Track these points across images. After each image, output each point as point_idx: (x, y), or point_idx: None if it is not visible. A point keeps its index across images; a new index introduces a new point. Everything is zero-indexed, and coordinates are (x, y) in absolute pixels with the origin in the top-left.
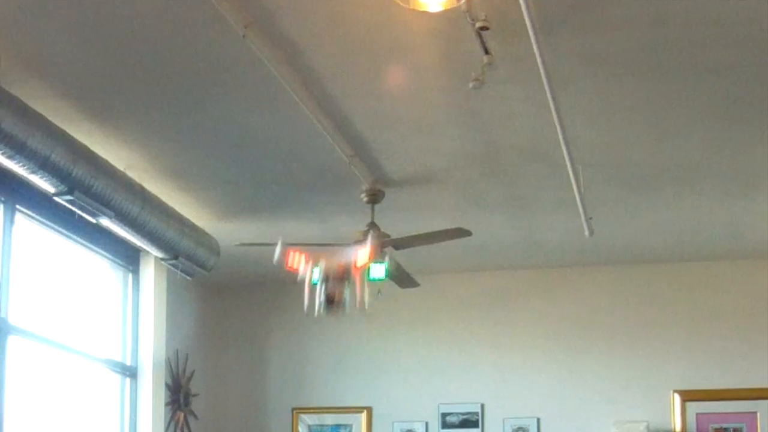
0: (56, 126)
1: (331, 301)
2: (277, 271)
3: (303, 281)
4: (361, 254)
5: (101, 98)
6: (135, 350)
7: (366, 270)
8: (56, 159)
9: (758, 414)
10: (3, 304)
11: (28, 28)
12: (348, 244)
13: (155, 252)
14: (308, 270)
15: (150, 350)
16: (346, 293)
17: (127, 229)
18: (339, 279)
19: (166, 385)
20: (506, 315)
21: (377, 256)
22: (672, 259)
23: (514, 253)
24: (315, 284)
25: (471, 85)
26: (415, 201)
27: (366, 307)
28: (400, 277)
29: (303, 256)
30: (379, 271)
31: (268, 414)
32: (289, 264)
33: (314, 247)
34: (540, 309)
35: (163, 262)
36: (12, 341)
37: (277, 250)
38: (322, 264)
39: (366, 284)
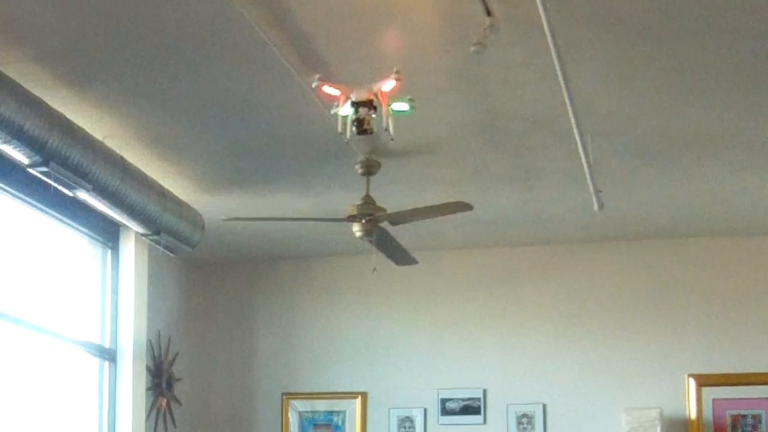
0: (30, 93)
1: (361, 125)
2: (266, 248)
3: (336, 114)
4: (387, 83)
5: (78, 63)
6: (114, 332)
7: (390, 101)
8: (30, 128)
9: None
10: None
11: None
12: (376, 80)
13: (136, 227)
14: (341, 100)
15: (130, 332)
16: (374, 118)
17: (105, 202)
18: (368, 105)
19: (148, 369)
20: (510, 295)
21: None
22: (687, 234)
23: (518, 228)
24: (346, 117)
25: (472, 49)
26: (413, 173)
27: (392, 132)
28: (396, 253)
29: (339, 89)
30: (402, 105)
31: (257, 400)
32: (324, 91)
33: (349, 83)
34: (546, 288)
35: (144, 238)
36: None
37: (315, 80)
38: (353, 94)
39: (391, 114)
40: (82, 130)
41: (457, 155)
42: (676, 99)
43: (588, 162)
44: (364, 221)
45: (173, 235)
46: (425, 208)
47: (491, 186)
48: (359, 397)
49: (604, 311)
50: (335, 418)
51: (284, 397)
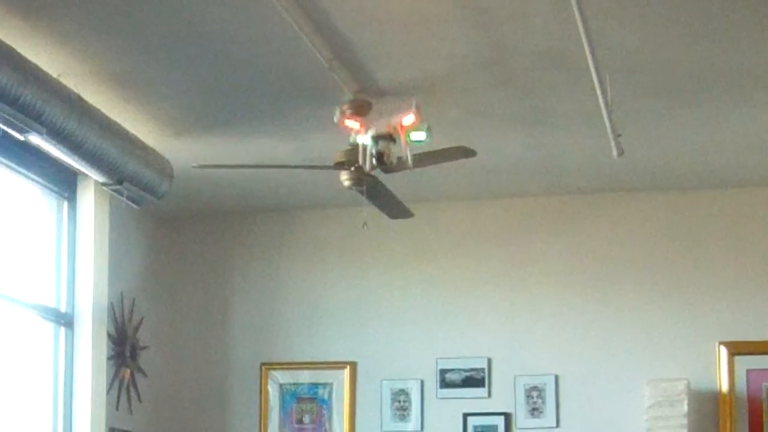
0: None
1: (380, 158)
2: (243, 199)
3: (355, 143)
4: (407, 118)
5: None
6: (71, 294)
7: (408, 132)
8: None
9: None
10: None
11: None
12: (394, 112)
13: (95, 175)
14: (362, 132)
15: (89, 294)
16: (393, 151)
17: (61, 147)
18: (387, 139)
19: (109, 335)
20: (518, 252)
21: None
22: (718, 184)
23: (527, 177)
24: (366, 146)
25: None
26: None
27: (410, 163)
28: (390, 205)
29: (358, 121)
30: (419, 135)
31: (232, 371)
32: (345, 125)
33: (368, 116)
34: (558, 244)
35: (104, 188)
36: None
37: (336, 113)
38: (373, 127)
39: (409, 145)
40: (35, 66)
41: (459, 94)
42: (706, 31)
43: (606, 102)
44: (353, 169)
45: (138, 185)
46: (423, 154)
47: (497, 129)
48: (348, 367)
49: (624, 271)
50: (321, 391)
51: (263, 367)
